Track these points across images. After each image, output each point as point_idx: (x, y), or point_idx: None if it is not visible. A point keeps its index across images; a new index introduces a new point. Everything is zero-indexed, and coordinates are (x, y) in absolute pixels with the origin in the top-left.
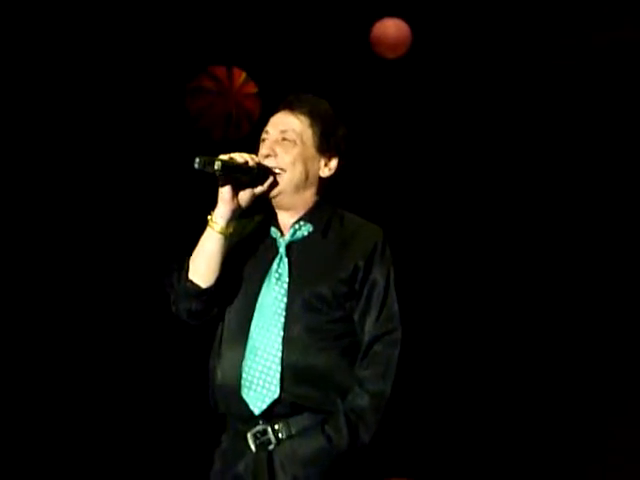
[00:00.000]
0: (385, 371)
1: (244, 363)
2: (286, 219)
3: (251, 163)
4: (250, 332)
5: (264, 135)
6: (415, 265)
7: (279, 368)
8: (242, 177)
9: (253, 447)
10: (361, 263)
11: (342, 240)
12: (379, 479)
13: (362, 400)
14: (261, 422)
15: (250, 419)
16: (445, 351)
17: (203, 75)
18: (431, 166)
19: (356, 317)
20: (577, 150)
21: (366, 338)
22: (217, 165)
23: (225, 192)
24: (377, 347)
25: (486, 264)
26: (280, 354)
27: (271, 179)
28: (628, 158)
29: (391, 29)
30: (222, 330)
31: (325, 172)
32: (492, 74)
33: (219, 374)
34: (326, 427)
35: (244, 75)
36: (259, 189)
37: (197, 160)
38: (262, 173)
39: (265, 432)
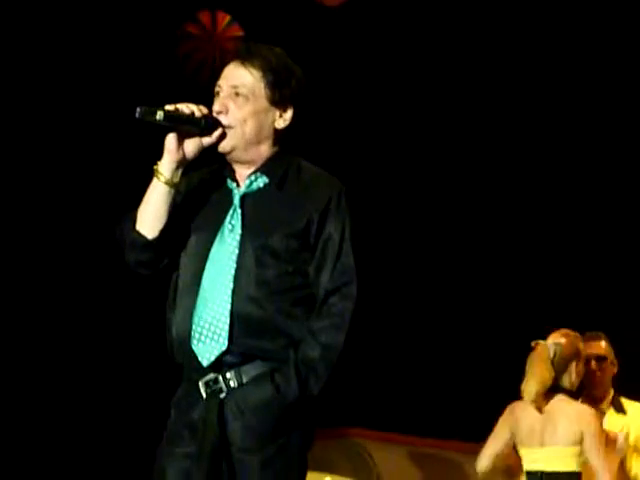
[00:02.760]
0: (339, 323)
1: (194, 314)
2: (242, 171)
3: (198, 114)
4: (202, 283)
5: (217, 89)
6: (373, 218)
7: (227, 320)
8: (189, 128)
9: (204, 395)
10: (315, 216)
11: (298, 192)
12: (330, 427)
13: (313, 351)
14: (213, 371)
15: (202, 368)
16: (401, 304)
17: (189, 21)
18: (375, 116)
19: (311, 271)
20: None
21: (321, 291)
22: (159, 115)
23: (170, 142)
24: (332, 300)
25: (443, 221)
26: (229, 305)
27: (220, 131)
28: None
29: None
30: (177, 280)
31: (280, 123)
32: (433, 24)
33: (173, 325)
34: (276, 376)
35: (228, 18)
36: (207, 140)
37: (138, 109)
38: (210, 124)
39: (216, 381)
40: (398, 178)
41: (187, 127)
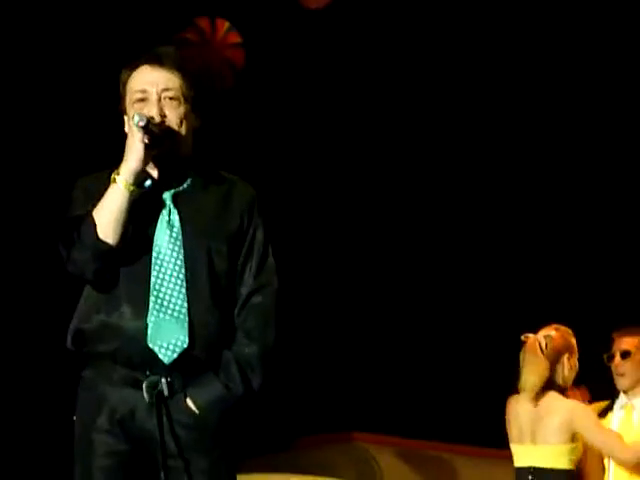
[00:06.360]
0: (267, 321)
1: (150, 315)
2: (165, 173)
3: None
4: (151, 284)
5: (140, 95)
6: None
7: (186, 318)
8: (156, 136)
9: (147, 397)
10: (245, 217)
11: (222, 194)
12: (334, 431)
13: (250, 349)
14: (156, 373)
15: (146, 369)
16: (405, 310)
17: (188, 27)
18: (346, 118)
19: (238, 270)
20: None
21: (245, 290)
22: (139, 120)
23: (142, 149)
24: (256, 299)
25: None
26: (187, 305)
27: (169, 140)
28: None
29: None
30: (111, 286)
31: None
32: (414, 30)
33: (122, 327)
34: (221, 375)
35: (227, 25)
36: (158, 149)
37: (142, 118)
38: (166, 134)
39: (159, 383)
40: (395, 179)
41: (155, 135)
